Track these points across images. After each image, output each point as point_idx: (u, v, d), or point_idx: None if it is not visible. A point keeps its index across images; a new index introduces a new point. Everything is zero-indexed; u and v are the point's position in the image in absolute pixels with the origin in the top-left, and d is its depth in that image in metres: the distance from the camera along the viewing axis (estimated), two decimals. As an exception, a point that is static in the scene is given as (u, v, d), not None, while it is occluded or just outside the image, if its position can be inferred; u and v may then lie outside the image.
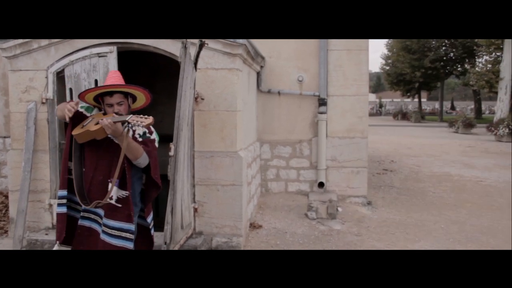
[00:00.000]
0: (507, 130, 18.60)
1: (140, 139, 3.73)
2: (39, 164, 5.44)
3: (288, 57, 7.30)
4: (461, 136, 21.52)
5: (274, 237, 5.78)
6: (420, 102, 45.53)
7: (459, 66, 37.16)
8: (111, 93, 3.54)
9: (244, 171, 5.38)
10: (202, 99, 5.21)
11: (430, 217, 6.85)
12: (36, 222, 5.49)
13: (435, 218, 6.80)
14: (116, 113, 3.50)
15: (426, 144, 16.93)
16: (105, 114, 3.63)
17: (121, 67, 5.36)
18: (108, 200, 3.56)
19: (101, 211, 3.63)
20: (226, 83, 5.21)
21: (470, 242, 5.80)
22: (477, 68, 29.03)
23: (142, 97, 3.76)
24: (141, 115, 3.36)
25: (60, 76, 5.39)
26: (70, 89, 5.29)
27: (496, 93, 23.64)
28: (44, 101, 5.39)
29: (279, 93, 7.32)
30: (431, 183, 9.06)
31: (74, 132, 3.61)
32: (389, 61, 41.34)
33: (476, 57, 33.53)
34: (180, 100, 4.50)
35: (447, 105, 50.88)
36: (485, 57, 30.28)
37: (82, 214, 3.79)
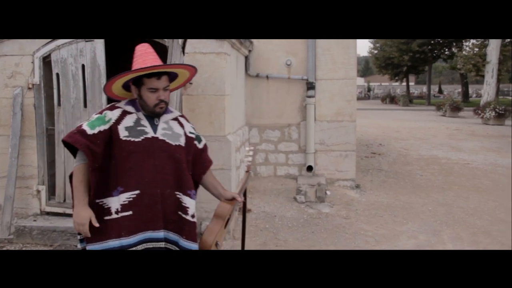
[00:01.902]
0: (493, 113, 18.77)
1: (200, 145, 2.92)
2: (26, 150, 5.39)
3: (276, 41, 7.27)
4: (449, 120, 21.68)
5: (263, 220, 5.81)
6: (408, 85, 45.72)
7: (446, 49, 37.33)
8: (158, 75, 2.61)
9: (233, 155, 5.38)
10: (190, 83, 5.18)
11: (418, 200, 6.91)
12: (24, 208, 5.46)
13: (423, 201, 6.87)
14: (162, 101, 2.62)
15: (414, 127, 17.05)
16: (141, 102, 2.66)
17: (108, 52, 5.31)
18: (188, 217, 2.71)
19: (174, 236, 2.67)
20: (214, 67, 5.19)
21: (457, 224, 5.87)
22: (464, 52, 29.19)
23: (182, 78, 2.91)
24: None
25: (46, 61, 5.33)
26: (57, 74, 5.24)
27: (483, 76, 23.78)
28: (30, 86, 5.33)
29: (267, 77, 7.31)
30: (419, 166, 9.13)
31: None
32: (377, 45, 41.37)
33: (463, 40, 33.66)
34: (168, 85, 4.48)
35: (434, 88, 51.09)
36: (472, 41, 30.42)
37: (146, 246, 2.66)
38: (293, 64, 7.28)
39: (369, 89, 54.48)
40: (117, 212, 2.55)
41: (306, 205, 6.48)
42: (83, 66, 5.19)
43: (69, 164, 5.25)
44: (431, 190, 7.44)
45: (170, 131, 2.71)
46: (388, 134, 14.54)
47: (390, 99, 41.07)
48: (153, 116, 2.68)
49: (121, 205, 2.55)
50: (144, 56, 2.66)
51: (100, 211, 2.57)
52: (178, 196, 2.67)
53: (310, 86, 7.18)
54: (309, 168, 7.29)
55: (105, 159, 2.57)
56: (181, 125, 2.80)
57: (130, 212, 2.55)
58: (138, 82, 2.63)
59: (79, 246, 2.72)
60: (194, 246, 2.68)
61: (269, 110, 7.42)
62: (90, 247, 2.57)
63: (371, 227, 5.75)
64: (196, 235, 2.72)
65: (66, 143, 2.60)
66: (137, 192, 2.57)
